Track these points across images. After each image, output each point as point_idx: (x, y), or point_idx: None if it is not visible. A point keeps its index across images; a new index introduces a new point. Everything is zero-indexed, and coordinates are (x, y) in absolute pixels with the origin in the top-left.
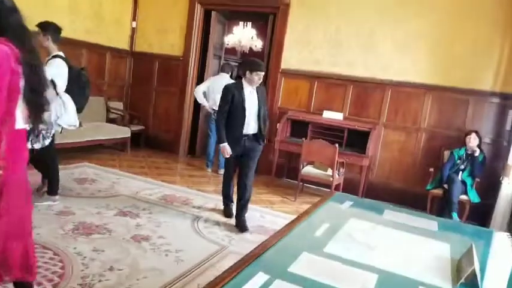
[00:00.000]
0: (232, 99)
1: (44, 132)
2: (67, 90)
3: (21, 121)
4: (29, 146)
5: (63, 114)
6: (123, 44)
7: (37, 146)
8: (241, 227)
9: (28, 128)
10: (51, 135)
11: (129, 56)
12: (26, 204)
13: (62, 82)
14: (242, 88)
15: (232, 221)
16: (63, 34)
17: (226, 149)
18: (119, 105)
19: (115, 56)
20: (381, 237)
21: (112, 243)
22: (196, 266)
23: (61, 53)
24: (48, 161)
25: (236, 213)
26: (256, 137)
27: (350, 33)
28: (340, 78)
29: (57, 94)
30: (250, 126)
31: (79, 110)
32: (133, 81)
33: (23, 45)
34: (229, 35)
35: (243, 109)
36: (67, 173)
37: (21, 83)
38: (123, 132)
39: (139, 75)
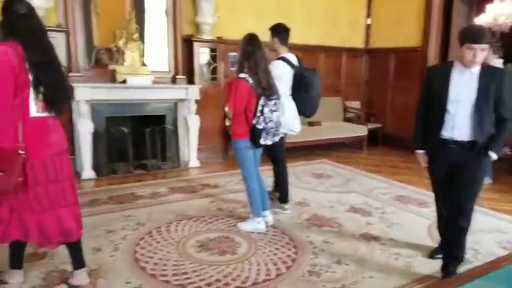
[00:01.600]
0: (429, 85)
1: (273, 130)
2: (293, 94)
3: (35, 110)
4: (262, 141)
5: (281, 118)
6: (357, 43)
7: (268, 142)
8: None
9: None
10: (281, 133)
11: (364, 54)
12: (60, 180)
13: (280, 84)
14: (450, 70)
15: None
16: (301, 41)
17: (421, 159)
18: (356, 104)
19: (350, 56)
20: None
21: (341, 237)
22: (426, 278)
23: (287, 55)
24: (275, 159)
25: (442, 265)
26: (476, 146)
27: None
28: None
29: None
30: (460, 129)
31: (306, 115)
32: (369, 79)
33: (31, 46)
34: (480, 14)
35: (444, 101)
36: (308, 168)
37: (30, 77)
38: (360, 130)
39: (374, 72)
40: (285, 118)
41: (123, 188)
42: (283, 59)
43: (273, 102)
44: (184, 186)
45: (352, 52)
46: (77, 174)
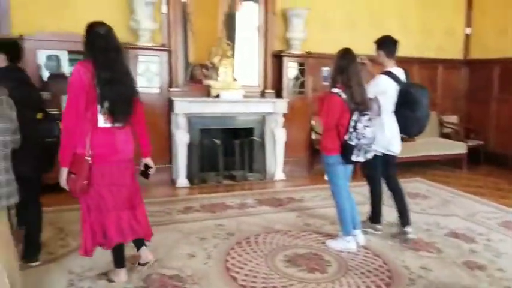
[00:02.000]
0: None
1: (365, 146)
2: (397, 112)
3: (102, 121)
4: (354, 158)
5: (380, 137)
6: (455, 53)
7: (360, 158)
8: None
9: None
10: (373, 151)
11: (463, 65)
12: (122, 184)
13: (384, 100)
14: None
15: None
16: (420, 54)
17: None
18: (453, 118)
19: (447, 67)
20: None
21: (441, 264)
22: None
23: (394, 69)
24: (368, 175)
25: None
26: None
27: None
28: None
29: (379, 114)
30: None
31: (409, 135)
32: (468, 91)
33: (102, 63)
34: None
35: None
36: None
37: (98, 93)
38: (458, 147)
39: (475, 85)
40: (384, 136)
41: (214, 197)
42: (389, 73)
43: (366, 117)
44: (271, 199)
45: (449, 63)
46: (172, 182)
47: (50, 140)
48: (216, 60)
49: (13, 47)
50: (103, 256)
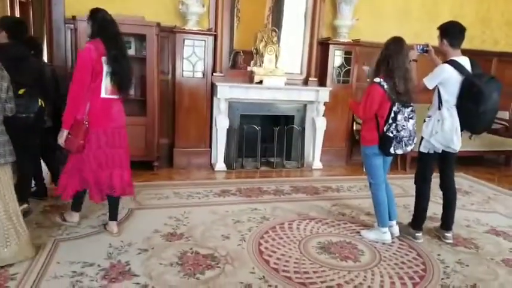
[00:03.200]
0: None
1: (405, 139)
2: (459, 105)
3: (104, 92)
4: (392, 150)
5: (439, 133)
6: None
7: (399, 151)
8: None
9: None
10: (414, 143)
11: None
12: (117, 147)
13: (444, 92)
14: None
15: None
16: (473, 46)
17: None
18: (503, 114)
19: (502, 61)
20: None
21: (478, 260)
22: None
23: (459, 58)
24: (418, 174)
25: None
26: None
27: None
28: None
29: (440, 108)
30: None
31: (472, 131)
32: None
33: (111, 44)
34: None
35: None
36: None
37: (105, 68)
38: (508, 144)
39: None
40: (444, 132)
41: (251, 182)
42: (453, 62)
43: (409, 109)
44: (307, 187)
45: (504, 56)
46: (211, 166)
47: (24, 115)
48: (261, 46)
49: (14, 25)
50: (141, 234)
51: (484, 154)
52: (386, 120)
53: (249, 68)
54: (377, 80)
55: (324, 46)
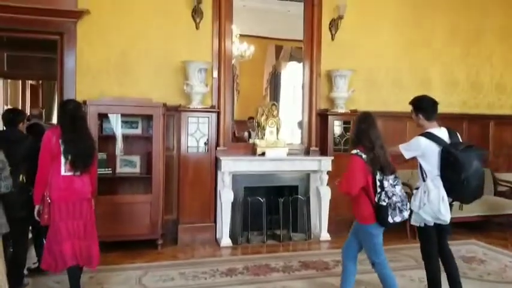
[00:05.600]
0: None
1: (399, 205)
2: (442, 175)
3: (63, 170)
4: (390, 219)
5: (426, 204)
6: (506, 109)
7: (397, 219)
8: None
9: None
10: (409, 209)
11: None
12: (77, 219)
13: (424, 163)
14: None
15: None
16: (441, 110)
17: None
18: (509, 176)
19: (498, 123)
20: None
21: None
22: None
23: (434, 130)
24: (422, 250)
25: None
26: None
27: None
28: None
29: (424, 179)
30: None
31: (460, 201)
32: None
33: (66, 129)
34: None
35: None
36: (454, 249)
37: (62, 149)
38: None
39: None
40: (431, 203)
41: (258, 259)
42: (428, 134)
43: (392, 176)
44: (317, 261)
45: (501, 119)
46: (216, 241)
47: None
48: (262, 119)
49: (5, 115)
50: None
51: (492, 218)
52: (375, 190)
53: (250, 141)
54: (354, 151)
55: (323, 116)
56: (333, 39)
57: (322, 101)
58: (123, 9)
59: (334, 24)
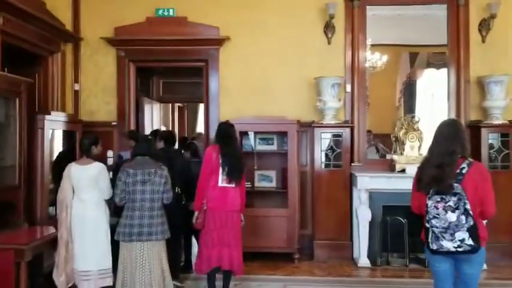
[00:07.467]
0: None
1: (436, 230)
2: None
3: (220, 181)
4: (433, 246)
5: None
6: None
7: (434, 246)
8: None
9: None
10: (454, 240)
11: None
12: (229, 228)
13: None
14: None
15: None
16: None
17: None
18: None
19: None
20: None
21: None
22: None
23: None
24: None
25: None
26: None
27: None
28: None
29: None
30: None
31: None
32: None
33: (224, 145)
34: None
35: None
36: None
37: (220, 162)
38: None
39: None
40: None
41: (400, 283)
42: None
43: (438, 196)
44: None
45: None
46: (353, 260)
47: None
48: (400, 133)
49: (165, 136)
50: None
51: None
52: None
53: (388, 156)
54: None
55: (474, 129)
56: (483, 41)
57: (473, 111)
58: (259, 33)
59: (484, 25)
